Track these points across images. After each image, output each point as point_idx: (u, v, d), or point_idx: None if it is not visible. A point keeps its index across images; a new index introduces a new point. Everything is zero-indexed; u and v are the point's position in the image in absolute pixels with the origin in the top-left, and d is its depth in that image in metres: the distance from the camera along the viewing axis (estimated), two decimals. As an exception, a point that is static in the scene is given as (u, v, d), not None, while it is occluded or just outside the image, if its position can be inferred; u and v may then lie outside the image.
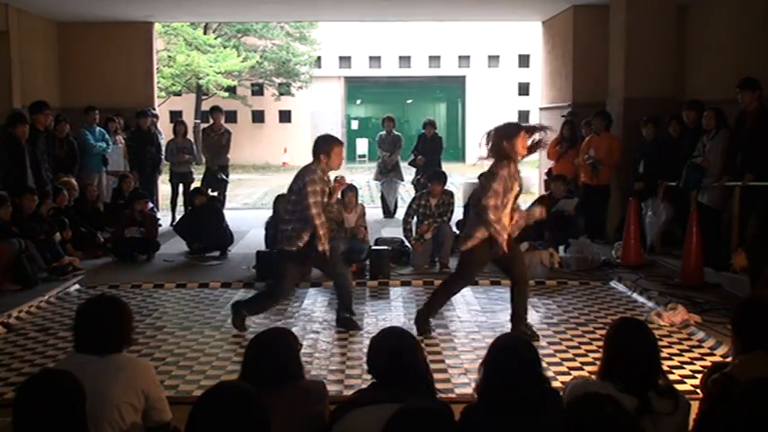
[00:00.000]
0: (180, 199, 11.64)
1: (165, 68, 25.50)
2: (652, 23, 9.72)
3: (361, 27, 29.95)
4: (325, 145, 5.83)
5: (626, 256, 8.32)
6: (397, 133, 12.58)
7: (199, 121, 25.35)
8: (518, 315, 5.73)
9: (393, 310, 6.55)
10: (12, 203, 7.67)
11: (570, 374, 4.83)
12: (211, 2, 11.97)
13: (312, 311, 6.68)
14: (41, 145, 8.93)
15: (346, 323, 6.01)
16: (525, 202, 13.24)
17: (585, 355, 5.31)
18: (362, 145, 32.38)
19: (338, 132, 33.06)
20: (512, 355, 2.88)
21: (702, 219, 7.53)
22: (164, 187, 12.23)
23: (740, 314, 3.40)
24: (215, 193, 10.85)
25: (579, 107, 11.31)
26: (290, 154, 30.93)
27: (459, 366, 5.13)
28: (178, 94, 27.87)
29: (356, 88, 35.21)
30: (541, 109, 13.74)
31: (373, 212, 11.77)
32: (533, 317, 6.38)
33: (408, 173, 12.74)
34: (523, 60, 32.85)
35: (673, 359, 5.17)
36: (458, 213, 9.53)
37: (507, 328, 5.91)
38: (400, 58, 33.14)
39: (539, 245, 8.01)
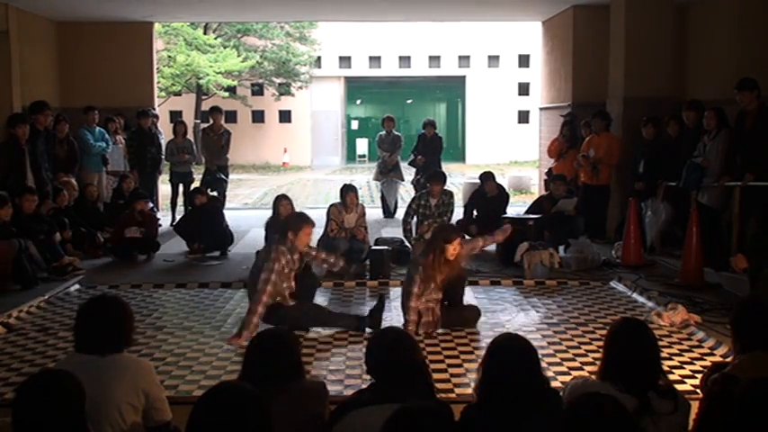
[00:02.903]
0: (180, 199, 11.64)
1: (165, 68, 25.45)
2: (652, 23, 9.72)
3: (361, 27, 29.89)
4: (294, 223, 5.87)
5: (626, 256, 8.32)
6: (397, 133, 12.58)
7: (199, 121, 25.33)
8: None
9: (393, 310, 6.54)
10: (12, 203, 7.67)
11: (570, 374, 4.82)
12: (211, 2, 11.96)
13: (312, 311, 6.67)
14: (41, 145, 8.93)
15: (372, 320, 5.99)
16: (525, 202, 13.37)
17: (585, 355, 5.31)
18: (362, 145, 32.35)
19: (338, 132, 33.08)
20: (511, 355, 2.88)
21: (702, 219, 7.53)
22: (164, 187, 12.23)
23: (740, 314, 3.41)
24: (215, 193, 10.86)
25: (579, 107, 11.32)
26: (290, 154, 30.91)
27: (460, 366, 5.13)
28: (178, 94, 27.83)
29: (356, 88, 35.13)
30: (541, 109, 13.75)
31: (373, 212, 11.77)
32: (533, 317, 6.40)
33: (408, 173, 12.74)
34: (523, 60, 32.79)
35: (673, 359, 5.17)
36: (458, 213, 9.53)
37: (507, 328, 5.93)
38: (400, 58, 33.07)
39: (539, 245, 8.00)
